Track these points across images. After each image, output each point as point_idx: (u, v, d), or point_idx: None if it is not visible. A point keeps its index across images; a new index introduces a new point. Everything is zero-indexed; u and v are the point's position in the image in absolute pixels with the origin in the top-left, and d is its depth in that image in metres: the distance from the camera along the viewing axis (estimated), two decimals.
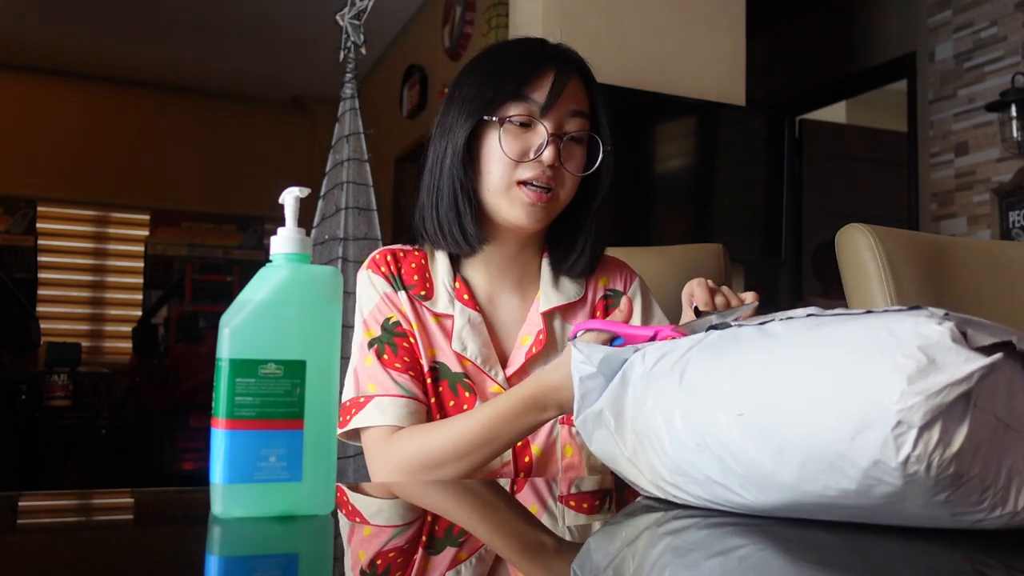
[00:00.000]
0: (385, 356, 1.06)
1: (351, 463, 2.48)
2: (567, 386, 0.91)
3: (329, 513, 0.66)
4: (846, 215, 1.57)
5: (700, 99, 2.97)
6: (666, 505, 0.71)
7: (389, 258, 1.12)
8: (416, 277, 1.11)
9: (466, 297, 1.10)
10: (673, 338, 0.81)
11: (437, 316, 1.10)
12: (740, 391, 0.62)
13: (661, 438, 0.68)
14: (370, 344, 1.08)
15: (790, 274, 4.41)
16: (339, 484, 0.73)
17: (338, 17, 2.77)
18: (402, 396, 1.04)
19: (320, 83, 5.45)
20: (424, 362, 1.08)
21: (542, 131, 1.04)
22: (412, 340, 1.08)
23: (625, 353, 0.77)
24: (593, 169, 1.09)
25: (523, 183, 1.04)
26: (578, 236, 1.14)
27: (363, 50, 2.73)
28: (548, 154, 1.03)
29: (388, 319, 1.09)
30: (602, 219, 1.15)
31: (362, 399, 1.05)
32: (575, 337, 0.93)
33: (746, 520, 0.64)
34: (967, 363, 0.53)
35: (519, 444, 1.07)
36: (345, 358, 2.73)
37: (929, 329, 0.55)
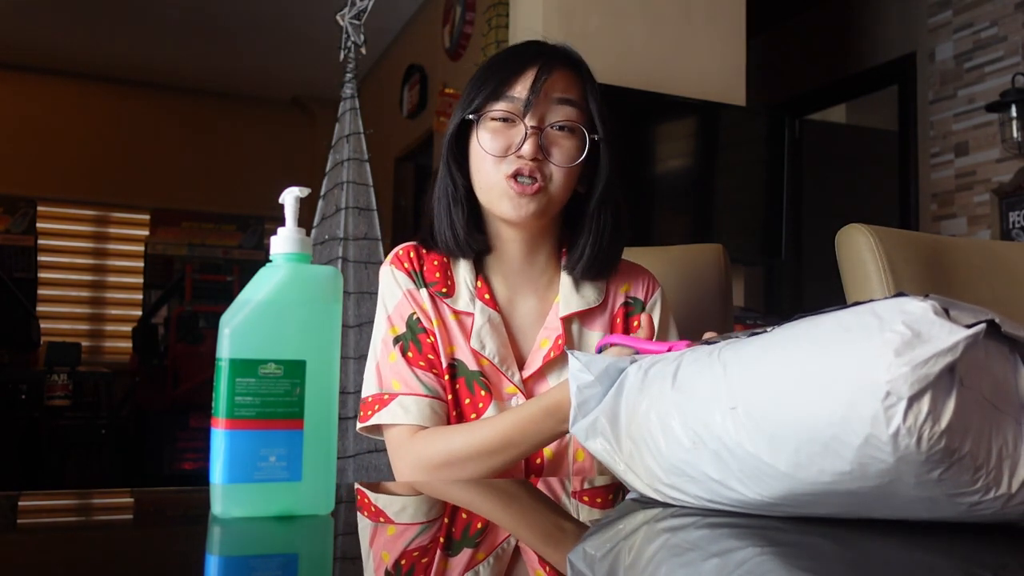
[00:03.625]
0: (410, 354, 1.08)
1: (351, 463, 2.48)
2: None
3: (329, 513, 0.66)
4: (846, 215, 1.57)
5: (700, 99, 2.97)
6: (664, 505, 0.71)
7: (412, 254, 1.13)
8: (438, 274, 1.12)
9: (487, 296, 1.11)
10: None
11: (457, 313, 1.10)
12: (732, 385, 0.63)
13: (656, 440, 0.68)
14: (395, 341, 1.09)
15: (790, 274, 4.41)
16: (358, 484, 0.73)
17: (338, 17, 2.77)
18: (426, 396, 1.05)
19: (320, 83, 5.45)
20: (443, 359, 1.09)
21: (521, 126, 1.05)
22: (433, 338, 1.09)
23: (622, 364, 0.78)
24: (580, 160, 1.07)
25: (510, 177, 1.05)
26: (580, 235, 1.13)
27: (363, 50, 2.72)
28: (528, 147, 1.03)
29: (412, 315, 1.10)
30: (613, 218, 1.13)
31: (386, 396, 1.06)
32: (600, 351, 0.93)
33: (741, 519, 0.64)
34: (951, 334, 0.54)
35: None
36: (347, 357, 2.71)
37: (912, 306, 0.56)
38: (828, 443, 0.56)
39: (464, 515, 0.78)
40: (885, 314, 0.57)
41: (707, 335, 0.91)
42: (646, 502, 0.73)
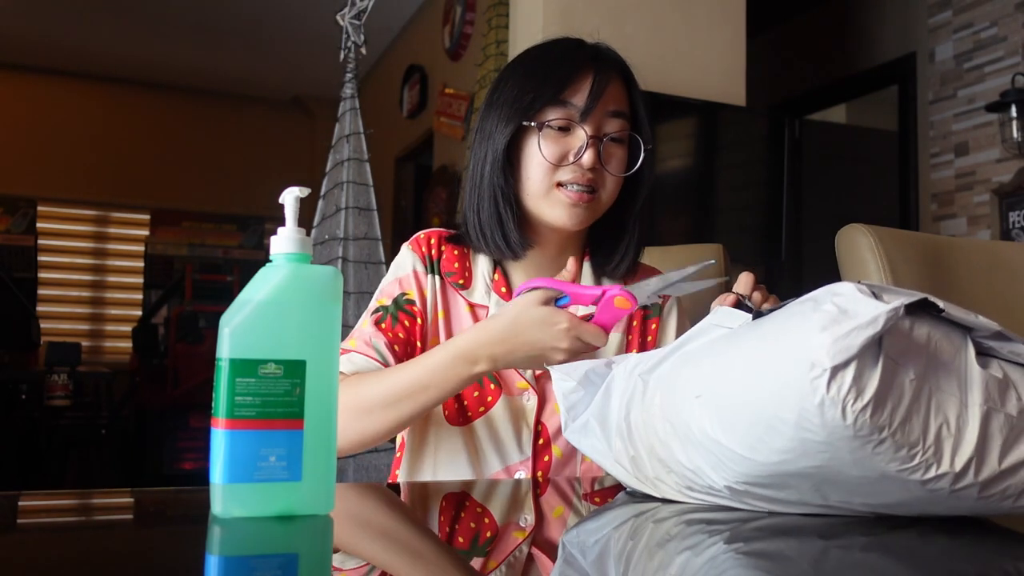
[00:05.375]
0: (383, 325, 1.08)
1: (351, 463, 2.48)
2: (499, 340, 0.93)
3: (329, 513, 0.66)
4: (846, 215, 1.57)
5: (700, 99, 2.97)
6: (652, 499, 0.73)
7: (433, 241, 1.13)
8: (456, 265, 1.12)
9: (503, 290, 1.11)
10: (622, 298, 0.87)
11: (472, 306, 1.11)
12: (699, 376, 0.66)
13: (641, 434, 0.72)
14: (375, 311, 1.10)
15: (790, 274, 4.41)
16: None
17: (338, 17, 2.77)
18: (376, 360, 1.05)
19: (320, 83, 5.45)
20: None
21: (581, 134, 1.04)
22: (419, 322, 1.09)
23: (600, 369, 0.81)
24: (634, 169, 1.09)
25: (562, 184, 1.05)
26: (621, 237, 1.14)
27: (363, 50, 2.73)
28: (588, 157, 1.04)
29: (403, 294, 1.10)
30: (643, 220, 1.14)
31: (340, 351, 1.05)
32: (519, 294, 0.96)
33: (721, 514, 0.66)
34: (874, 310, 0.56)
35: (540, 442, 1.07)
36: None
37: (842, 288, 0.60)
38: (770, 422, 0.58)
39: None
40: (820, 297, 0.60)
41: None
42: (638, 496, 0.76)
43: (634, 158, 1.09)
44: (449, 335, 1.09)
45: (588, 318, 0.92)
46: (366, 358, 1.05)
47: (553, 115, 1.05)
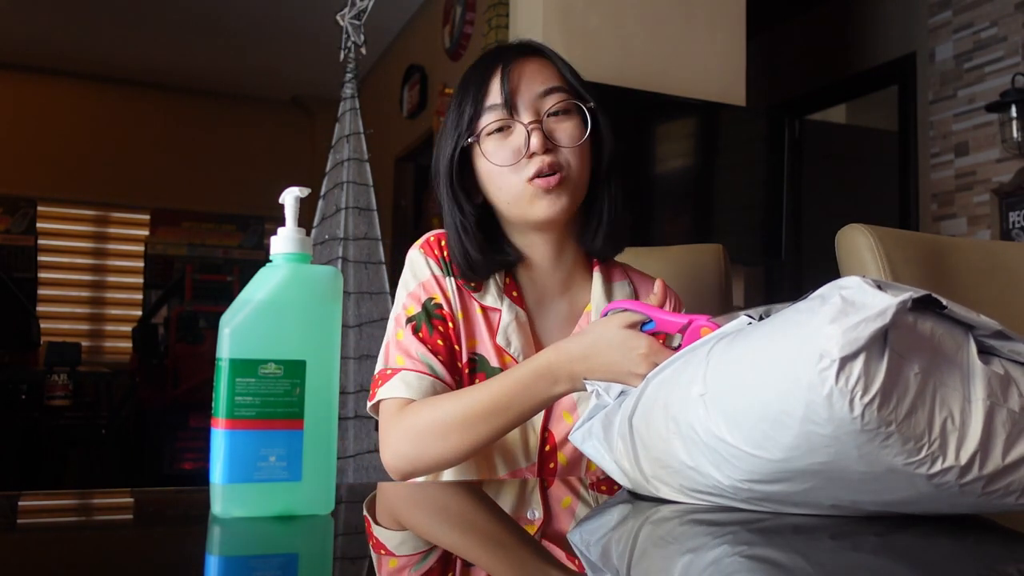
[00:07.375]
0: (420, 334, 1.06)
1: (351, 463, 2.48)
2: (580, 358, 0.91)
3: (329, 513, 0.66)
4: (846, 215, 1.57)
5: (700, 99, 2.97)
6: (653, 499, 0.73)
7: (443, 243, 1.12)
8: None
9: (515, 294, 1.10)
10: (708, 329, 0.82)
11: (484, 308, 1.10)
12: (702, 374, 0.66)
13: (643, 434, 0.72)
14: (408, 320, 1.07)
15: (790, 274, 4.41)
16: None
17: (338, 17, 2.77)
18: (429, 375, 1.03)
19: (320, 83, 5.45)
20: (463, 351, 1.07)
21: (520, 127, 1.03)
22: (451, 325, 1.07)
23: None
24: (588, 132, 1.06)
25: (531, 179, 1.03)
26: (593, 203, 1.11)
27: (363, 50, 2.73)
28: (535, 141, 1.02)
29: (431, 299, 1.08)
30: (620, 187, 1.12)
31: (389, 371, 1.04)
32: (606, 315, 0.94)
33: (723, 515, 0.66)
34: (882, 302, 0.56)
35: (546, 449, 1.07)
36: (347, 357, 2.70)
37: (848, 282, 0.60)
38: (777, 417, 0.58)
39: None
40: (826, 292, 0.61)
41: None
42: (638, 497, 0.76)
43: (586, 126, 1.07)
44: (470, 338, 1.08)
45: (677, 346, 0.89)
46: (419, 374, 1.02)
47: (484, 122, 1.04)
